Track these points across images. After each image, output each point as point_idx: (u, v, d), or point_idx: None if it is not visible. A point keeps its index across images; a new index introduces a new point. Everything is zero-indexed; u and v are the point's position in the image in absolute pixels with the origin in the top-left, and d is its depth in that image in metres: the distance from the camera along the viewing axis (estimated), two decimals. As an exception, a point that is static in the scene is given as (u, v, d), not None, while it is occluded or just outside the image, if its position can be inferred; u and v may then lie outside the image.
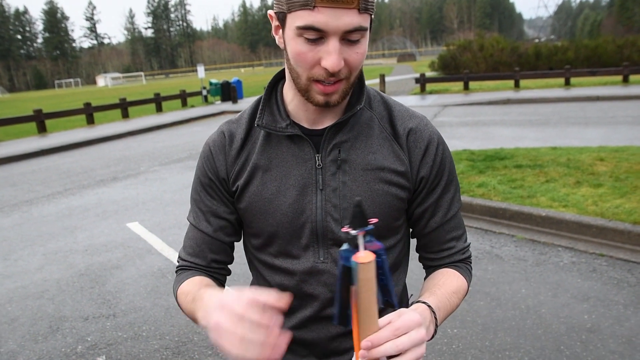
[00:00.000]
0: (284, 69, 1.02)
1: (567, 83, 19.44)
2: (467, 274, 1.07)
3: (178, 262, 1.12)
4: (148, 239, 5.55)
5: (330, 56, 0.85)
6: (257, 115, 1.02)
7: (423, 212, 1.05)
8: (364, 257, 0.69)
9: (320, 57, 0.86)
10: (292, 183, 0.99)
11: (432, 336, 0.86)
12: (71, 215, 6.82)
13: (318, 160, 0.99)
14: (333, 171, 0.98)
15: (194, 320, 0.94)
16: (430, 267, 1.10)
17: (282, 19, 0.91)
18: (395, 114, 1.03)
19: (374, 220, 0.69)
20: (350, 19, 0.84)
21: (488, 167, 6.77)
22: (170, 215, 6.44)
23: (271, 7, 0.97)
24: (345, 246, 0.70)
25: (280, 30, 0.93)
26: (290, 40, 0.89)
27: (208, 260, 1.08)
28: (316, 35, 0.85)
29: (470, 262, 1.12)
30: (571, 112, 12.77)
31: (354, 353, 0.76)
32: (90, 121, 18.26)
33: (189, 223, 1.12)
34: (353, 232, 0.68)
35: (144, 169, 9.69)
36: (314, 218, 0.99)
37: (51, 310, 4.02)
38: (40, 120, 16.47)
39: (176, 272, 1.12)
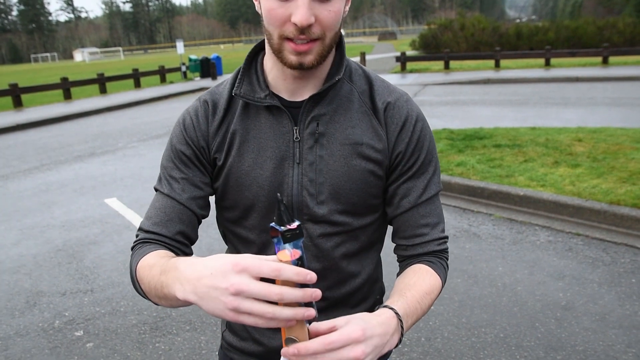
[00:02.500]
0: (264, 39, 1.00)
1: (548, 64, 19.63)
2: (442, 270, 1.02)
3: (137, 235, 1.00)
4: (126, 215, 5.50)
5: (299, 10, 0.83)
6: (236, 85, 0.99)
7: (396, 190, 1.01)
8: (283, 255, 0.67)
9: (290, 13, 0.85)
10: (269, 155, 0.97)
11: (397, 345, 0.82)
12: (48, 190, 6.72)
13: (296, 132, 0.97)
14: (310, 144, 0.97)
15: (161, 297, 0.81)
16: (403, 259, 1.06)
17: None
18: (375, 88, 1.01)
19: (295, 225, 0.66)
20: None
21: (467, 146, 6.82)
22: (148, 191, 6.36)
23: None
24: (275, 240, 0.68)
25: None
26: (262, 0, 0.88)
27: (174, 232, 0.98)
28: None
29: (447, 257, 1.05)
30: (551, 93, 12.89)
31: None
32: (68, 96, 17.89)
33: (155, 192, 1.04)
34: (278, 227, 0.67)
35: (122, 145, 9.55)
36: (290, 192, 0.97)
37: (28, 285, 3.99)
38: (15, 95, 16.10)
39: (132, 248, 0.99)
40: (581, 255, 3.94)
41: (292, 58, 0.89)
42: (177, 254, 0.98)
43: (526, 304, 3.31)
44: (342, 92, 1.00)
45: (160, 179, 1.03)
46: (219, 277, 0.66)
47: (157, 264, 0.84)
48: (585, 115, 9.40)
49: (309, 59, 0.89)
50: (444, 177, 5.46)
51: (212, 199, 1.07)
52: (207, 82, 20.84)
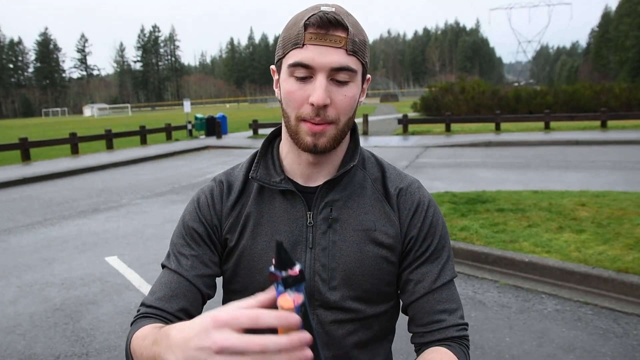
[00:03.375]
0: (280, 126, 1.04)
1: (547, 127, 19.99)
2: (462, 355, 0.97)
3: (138, 310, 0.98)
4: (126, 275, 5.42)
5: (316, 91, 0.87)
6: (252, 168, 1.02)
7: (410, 275, 1.00)
8: (285, 301, 0.63)
9: (308, 95, 0.89)
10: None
11: None
12: (50, 246, 6.68)
13: (309, 217, 0.98)
14: (324, 230, 0.97)
15: None
16: (420, 346, 1.01)
17: (279, 66, 0.95)
18: (388, 175, 1.04)
19: (296, 271, 0.63)
20: (337, 57, 0.88)
21: (470, 210, 6.81)
22: (150, 250, 6.32)
23: (272, 62, 1.01)
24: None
25: (279, 81, 0.97)
26: (283, 82, 0.93)
27: (176, 309, 0.96)
28: (305, 74, 0.89)
29: (468, 346, 1.01)
30: (552, 156, 13.02)
31: None
32: (75, 151, 18.18)
33: (162, 269, 1.03)
34: (279, 273, 0.63)
35: (126, 202, 9.57)
36: None
37: (21, 347, 3.88)
38: (25, 149, 16.43)
39: (132, 323, 0.96)
40: (591, 326, 3.82)
41: (308, 139, 0.91)
42: None
43: (536, 378, 3.19)
44: (356, 179, 1.02)
45: (168, 256, 1.02)
46: (202, 336, 0.63)
47: (150, 334, 0.81)
48: (587, 179, 9.45)
49: (322, 141, 0.92)
50: (448, 241, 5.41)
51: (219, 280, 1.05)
52: (212, 141, 21.15)
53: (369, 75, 0.99)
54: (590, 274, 4.42)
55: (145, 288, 5.01)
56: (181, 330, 0.69)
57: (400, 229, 1.00)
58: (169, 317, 0.95)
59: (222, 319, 0.62)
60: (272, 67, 1.00)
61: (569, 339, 3.66)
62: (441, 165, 12.05)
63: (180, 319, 0.95)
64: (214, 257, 1.01)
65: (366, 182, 1.02)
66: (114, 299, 4.78)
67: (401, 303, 1.05)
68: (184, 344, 0.66)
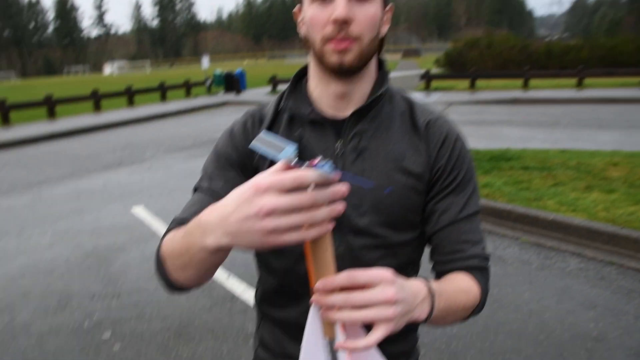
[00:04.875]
0: (307, 65, 1.06)
1: (580, 84, 18.86)
2: (483, 282, 0.99)
3: (168, 228, 0.97)
4: (152, 224, 5.63)
5: (337, 7, 0.89)
6: (282, 101, 1.04)
7: (435, 206, 1.02)
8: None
9: (330, 14, 0.90)
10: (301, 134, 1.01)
11: (426, 319, 0.81)
12: (79, 197, 6.95)
13: (338, 147, 1.00)
14: (352, 159, 0.99)
15: (187, 263, 0.79)
16: (441, 275, 1.03)
17: (300, 3, 0.98)
18: (416, 109, 1.05)
19: (317, 160, 0.64)
20: None
21: (494, 167, 6.74)
22: (174, 201, 6.48)
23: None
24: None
25: (302, 19, 0.99)
26: (306, 12, 0.95)
27: None
28: None
29: (488, 277, 1.02)
30: (583, 114, 12.45)
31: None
32: (97, 107, 18.45)
33: (193, 193, 1.03)
34: (299, 163, 0.64)
35: (149, 156, 9.76)
36: None
37: (60, 287, 4.18)
38: (50, 106, 16.70)
39: (162, 239, 0.95)
40: (615, 285, 3.79)
41: (334, 58, 0.93)
42: None
43: (554, 333, 3.22)
44: (384, 111, 1.03)
45: (200, 179, 1.04)
46: (244, 206, 0.63)
47: (180, 231, 0.83)
48: (621, 139, 9.00)
49: (348, 58, 0.93)
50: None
51: None
52: (231, 97, 21.12)
53: (391, 4, 1.00)
54: (618, 234, 4.35)
55: (171, 238, 5.16)
56: (213, 211, 0.69)
57: (428, 160, 1.01)
58: None
59: (265, 184, 0.62)
60: (295, 9, 1.02)
61: (590, 296, 3.65)
62: (464, 122, 11.85)
63: None
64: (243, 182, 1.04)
65: (395, 114, 1.04)
66: (141, 247, 4.99)
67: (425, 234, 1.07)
68: (223, 221, 0.66)
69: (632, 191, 5.42)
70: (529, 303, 3.60)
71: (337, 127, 1.01)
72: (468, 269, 1.00)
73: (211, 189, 0.99)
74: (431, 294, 0.82)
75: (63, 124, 14.74)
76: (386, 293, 0.69)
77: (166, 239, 0.89)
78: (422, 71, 23.39)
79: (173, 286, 0.89)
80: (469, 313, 0.97)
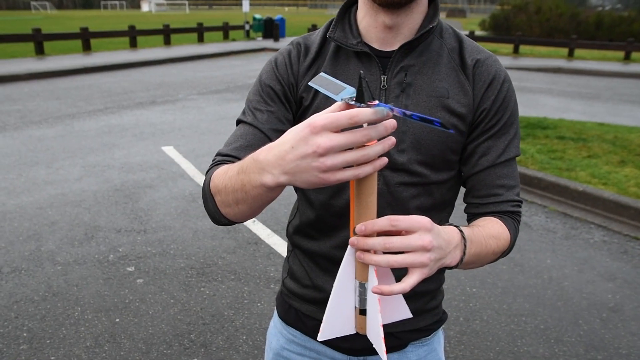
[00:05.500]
0: None
1: (628, 57, 18.28)
2: (512, 228, 1.00)
3: (214, 160, 1.00)
4: (182, 164, 5.67)
5: None
6: (330, 30, 1.02)
7: (476, 148, 1.00)
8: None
9: None
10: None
11: (457, 264, 0.81)
12: (110, 132, 7.01)
13: (383, 81, 0.97)
14: (397, 94, 0.97)
15: (240, 199, 0.81)
16: (473, 217, 1.04)
17: None
18: (465, 46, 1.01)
19: (374, 103, 0.63)
20: None
21: (529, 134, 6.60)
22: (205, 143, 6.53)
23: None
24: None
25: None
26: None
27: None
28: None
29: (519, 221, 1.03)
30: (626, 89, 12.17)
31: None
32: (133, 44, 18.36)
33: (237, 125, 1.04)
34: (357, 104, 0.63)
35: (182, 97, 9.78)
36: None
37: (87, 219, 4.24)
38: (85, 39, 16.64)
39: (207, 172, 0.96)
40: (637, 260, 3.78)
41: None
42: None
43: (571, 300, 3.23)
44: (432, 47, 1.00)
45: (244, 112, 1.04)
46: (301, 145, 0.63)
47: (232, 167, 0.83)
48: None
49: None
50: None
51: None
52: (269, 43, 20.89)
53: None
54: None
55: (199, 178, 5.24)
56: (270, 150, 0.70)
57: (474, 100, 0.98)
58: None
59: (320, 123, 0.62)
60: None
61: (611, 268, 3.65)
62: (503, 88, 11.57)
63: None
64: (288, 115, 1.03)
65: (443, 51, 1.00)
66: (169, 185, 5.05)
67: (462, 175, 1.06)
68: (280, 160, 0.67)
69: (667, 169, 5.30)
70: (550, 270, 3.60)
71: (383, 60, 0.98)
72: (500, 214, 1.00)
73: (255, 123, 0.99)
74: (464, 242, 0.82)
75: (98, 58, 14.82)
76: (423, 240, 0.69)
77: (216, 173, 0.89)
78: (466, 32, 22.69)
79: (220, 220, 0.91)
80: (498, 257, 0.98)
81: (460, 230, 0.84)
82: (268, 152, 0.70)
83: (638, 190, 4.68)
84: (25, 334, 2.78)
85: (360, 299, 0.76)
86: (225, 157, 0.97)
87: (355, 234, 0.70)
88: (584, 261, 3.74)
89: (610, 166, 5.39)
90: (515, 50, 19.81)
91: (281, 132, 0.97)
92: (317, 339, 0.75)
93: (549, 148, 5.99)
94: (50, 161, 5.72)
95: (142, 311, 3.01)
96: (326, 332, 0.76)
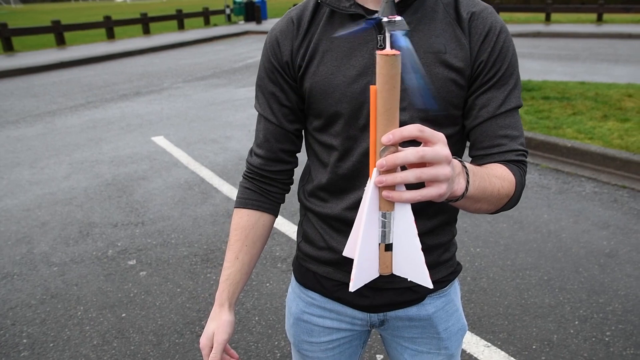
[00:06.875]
0: None
1: (600, 19, 18.90)
2: (518, 174, 0.97)
3: (250, 154, 1.16)
4: (174, 153, 5.62)
5: None
6: None
7: (475, 100, 0.99)
8: (389, 50, 0.61)
9: None
10: (352, 63, 0.98)
11: (462, 195, 0.78)
12: (95, 127, 6.88)
13: (380, 40, 0.97)
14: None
15: None
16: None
17: None
18: (460, 0, 1.01)
19: (397, 18, 0.63)
20: None
21: (515, 97, 6.72)
22: (195, 130, 6.48)
23: None
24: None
25: None
26: None
27: (275, 150, 1.11)
28: None
29: (525, 169, 1.00)
30: (601, 49, 12.50)
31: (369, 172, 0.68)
32: (111, 35, 17.93)
33: (257, 113, 1.14)
34: (382, 17, 0.61)
35: (168, 85, 9.66)
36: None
37: (80, 216, 4.13)
38: (58, 32, 16.09)
39: (244, 172, 1.17)
40: (626, 207, 3.94)
41: None
42: (281, 176, 1.15)
43: (570, 250, 3.35)
44: (427, 3, 0.99)
45: (255, 98, 1.13)
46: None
47: (230, 256, 1.13)
48: (636, 72, 9.12)
49: None
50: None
51: None
52: (252, 26, 20.65)
53: None
54: (631, 160, 4.46)
55: (193, 165, 5.21)
56: (212, 315, 1.14)
57: (471, 53, 0.98)
58: (272, 161, 1.13)
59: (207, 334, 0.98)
60: None
61: (604, 217, 3.79)
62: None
63: (282, 160, 1.13)
64: (288, 95, 1.07)
65: (438, 7, 1.00)
66: (164, 175, 4.99)
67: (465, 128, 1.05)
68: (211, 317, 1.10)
69: (645, 120, 5.53)
70: (548, 224, 3.71)
71: (378, 20, 0.98)
72: (504, 163, 0.99)
73: (265, 115, 1.10)
74: (465, 170, 0.81)
75: (74, 51, 14.44)
76: (447, 171, 0.67)
77: (234, 224, 1.16)
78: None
79: None
80: (504, 202, 0.95)
81: (460, 160, 0.82)
82: (212, 316, 1.14)
83: (621, 142, 4.86)
84: (25, 340, 2.67)
85: (385, 232, 0.70)
86: (254, 160, 1.15)
87: (379, 154, 0.66)
88: (578, 212, 3.87)
89: (594, 121, 5.55)
90: (494, 17, 20.00)
91: (288, 115, 1.10)
92: (350, 289, 0.72)
93: (535, 109, 6.12)
94: (33, 161, 5.54)
95: (148, 303, 2.95)
96: (357, 280, 0.72)
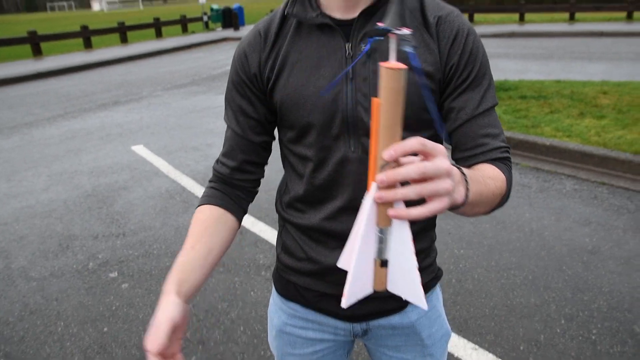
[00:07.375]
0: None
1: (572, 18, 19.45)
2: (506, 171, 0.98)
3: (216, 161, 1.15)
4: (154, 162, 5.56)
5: None
6: (288, 6, 1.01)
7: (452, 103, 1.00)
8: (394, 64, 0.60)
9: None
10: (322, 73, 0.98)
11: (463, 203, 0.76)
12: (74, 137, 6.80)
13: (348, 49, 0.97)
14: (363, 60, 0.96)
15: None
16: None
17: None
18: (426, 4, 1.00)
19: (409, 31, 0.62)
20: None
21: (493, 97, 6.81)
22: (176, 139, 6.43)
23: None
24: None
25: None
26: None
27: (239, 161, 1.10)
28: None
29: (510, 165, 1.01)
30: (575, 47, 12.77)
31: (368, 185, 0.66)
32: (88, 45, 17.78)
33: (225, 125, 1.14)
34: (386, 27, 0.61)
35: (147, 94, 9.58)
36: (345, 107, 0.97)
37: (60, 229, 4.06)
38: (35, 43, 15.92)
39: (210, 178, 1.17)
40: (606, 203, 3.99)
41: None
42: (244, 183, 1.13)
43: (553, 248, 3.38)
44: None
45: (224, 110, 1.13)
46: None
47: (186, 245, 1.02)
48: (609, 70, 9.31)
49: None
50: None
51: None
52: (230, 33, 20.64)
53: None
54: (608, 156, 4.54)
55: (173, 174, 5.16)
56: (160, 305, 0.93)
57: (440, 57, 0.98)
58: (235, 169, 1.12)
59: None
60: None
61: (585, 214, 3.84)
62: (462, 56, 11.84)
63: (246, 171, 1.13)
64: (255, 107, 1.07)
65: (404, 12, 1.00)
66: (144, 184, 4.94)
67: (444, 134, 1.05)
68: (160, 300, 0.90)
69: (620, 117, 5.65)
70: (530, 223, 3.75)
71: (346, 29, 0.97)
72: (490, 162, 0.99)
73: (231, 127, 1.10)
74: (464, 177, 0.80)
75: (50, 62, 14.30)
76: (447, 185, 0.66)
77: (194, 218, 1.09)
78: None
79: None
80: (498, 201, 0.95)
81: (458, 167, 0.81)
82: (160, 306, 0.92)
83: (599, 138, 4.94)
84: (2, 360, 2.60)
85: (382, 248, 0.69)
86: (218, 167, 1.15)
87: (379, 169, 0.64)
88: (560, 210, 3.92)
89: (571, 119, 5.64)
90: (470, 19, 20.30)
91: (255, 127, 1.09)
92: (342, 305, 0.69)
93: (513, 108, 6.20)
94: (10, 174, 5.44)
95: (131, 316, 2.90)
96: (350, 296, 0.70)
